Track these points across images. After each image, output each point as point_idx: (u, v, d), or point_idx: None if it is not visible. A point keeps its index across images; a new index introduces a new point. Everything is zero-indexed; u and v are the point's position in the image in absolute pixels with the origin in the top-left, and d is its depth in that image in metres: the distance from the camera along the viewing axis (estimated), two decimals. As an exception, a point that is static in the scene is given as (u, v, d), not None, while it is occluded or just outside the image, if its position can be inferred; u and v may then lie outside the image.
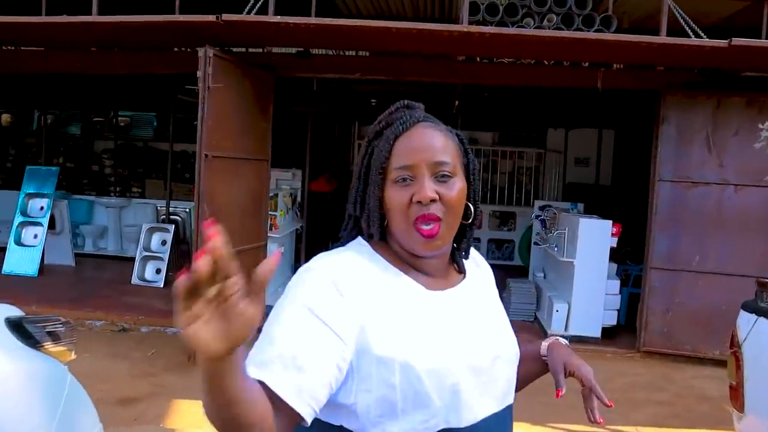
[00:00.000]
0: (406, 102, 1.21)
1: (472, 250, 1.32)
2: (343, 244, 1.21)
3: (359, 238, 1.20)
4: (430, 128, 1.15)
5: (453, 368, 1.08)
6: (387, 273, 1.14)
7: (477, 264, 1.33)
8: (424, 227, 1.09)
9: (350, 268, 1.09)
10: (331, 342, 1.01)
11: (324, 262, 1.10)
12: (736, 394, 2.58)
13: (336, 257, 1.12)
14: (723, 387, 5.30)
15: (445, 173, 1.11)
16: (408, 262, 1.16)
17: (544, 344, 1.37)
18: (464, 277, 1.25)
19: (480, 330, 1.17)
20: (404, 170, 1.11)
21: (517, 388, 1.28)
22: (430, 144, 1.13)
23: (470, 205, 1.18)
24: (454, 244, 1.24)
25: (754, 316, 2.53)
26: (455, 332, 1.13)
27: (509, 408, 1.22)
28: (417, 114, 1.17)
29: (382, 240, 1.18)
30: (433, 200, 1.09)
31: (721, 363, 5.76)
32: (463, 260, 1.27)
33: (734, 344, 2.62)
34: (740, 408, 2.56)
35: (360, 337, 1.04)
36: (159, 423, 4.13)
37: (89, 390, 4.61)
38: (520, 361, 1.28)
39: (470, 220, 1.20)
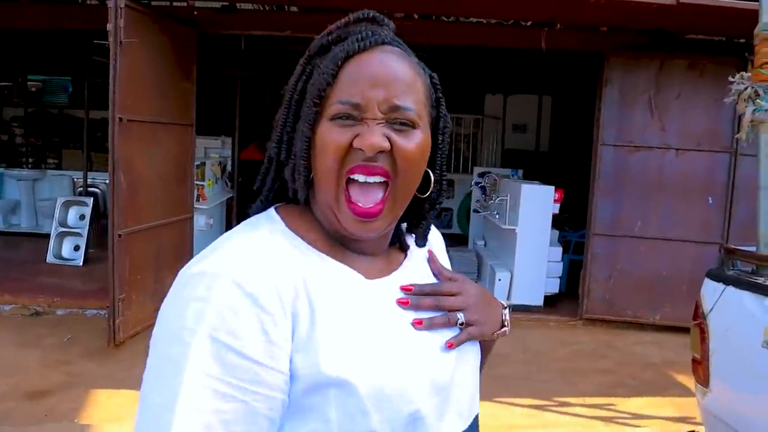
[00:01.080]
0: (371, 13, 0.86)
1: None
2: (262, 203, 0.89)
3: (269, 211, 0.87)
4: (397, 55, 0.82)
5: (411, 390, 0.80)
6: (311, 259, 0.82)
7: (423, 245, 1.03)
8: (360, 203, 0.79)
9: (266, 264, 0.76)
10: (268, 387, 0.72)
11: (225, 262, 0.75)
12: (701, 367, 2.41)
13: (241, 249, 0.78)
14: (665, 353, 5.32)
15: (405, 121, 0.80)
16: (339, 238, 0.86)
17: None
18: (406, 251, 0.96)
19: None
20: (349, 107, 0.78)
21: None
22: (393, 77, 0.79)
23: (430, 172, 0.87)
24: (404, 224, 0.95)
25: (721, 285, 2.35)
26: (408, 336, 0.84)
27: (476, 419, 0.94)
28: (383, 33, 0.84)
29: (305, 204, 0.87)
30: (382, 150, 0.78)
31: (661, 328, 5.82)
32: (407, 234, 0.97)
33: (698, 315, 2.44)
34: (705, 383, 2.40)
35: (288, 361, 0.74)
36: (73, 418, 3.70)
37: (-7, 384, 4.14)
38: None
39: (427, 193, 0.89)
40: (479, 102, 10.80)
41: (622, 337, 5.73)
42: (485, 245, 7.52)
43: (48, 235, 7.46)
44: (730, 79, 2.47)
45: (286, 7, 6.08)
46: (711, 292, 2.42)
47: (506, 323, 1.00)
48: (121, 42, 4.35)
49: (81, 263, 7.14)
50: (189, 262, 0.78)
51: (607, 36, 5.87)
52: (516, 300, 6.14)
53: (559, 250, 6.43)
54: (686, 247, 5.79)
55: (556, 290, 6.41)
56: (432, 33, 6.02)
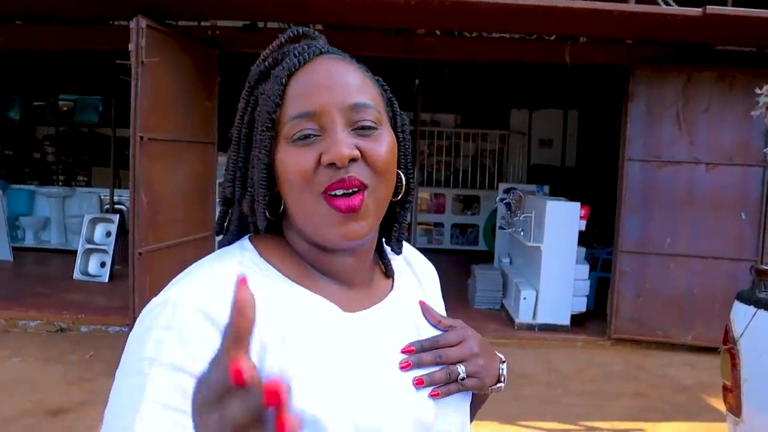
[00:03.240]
0: (300, 30, 0.82)
1: (407, 246, 0.96)
2: (228, 243, 0.83)
3: (242, 241, 0.82)
4: (340, 60, 0.79)
5: (389, 430, 0.75)
6: (283, 290, 0.76)
7: (409, 263, 0.96)
8: (342, 198, 0.73)
9: (232, 291, 0.69)
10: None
11: (189, 290, 0.71)
12: (732, 395, 2.28)
13: (207, 278, 0.73)
14: (697, 375, 5.13)
15: (368, 123, 0.75)
16: (315, 264, 0.80)
17: None
18: (393, 283, 0.89)
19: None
20: (305, 120, 0.74)
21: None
22: (343, 79, 0.76)
23: (401, 173, 0.83)
24: (381, 237, 0.88)
25: (752, 308, 2.23)
26: (389, 373, 0.79)
27: None
28: (318, 44, 0.80)
29: (275, 232, 0.82)
30: (353, 159, 0.73)
31: (693, 349, 5.64)
32: (391, 257, 0.90)
33: (728, 340, 2.32)
34: (736, 411, 2.27)
35: None
36: (90, 437, 3.70)
37: (15, 399, 4.18)
38: None
39: (401, 196, 0.84)
40: (505, 117, 10.72)
41: (652, 358, 5.56)
42: (510, 263, 7.39)
43: (76, 252, 7.55)
44: (758, 91, 2.37)
45: (311, 25, 6.10)
46: (742, 315, 2.31)
47: (503, 378, 0.92)
48: (142, 62, 4.39)
49: (107, 280, 7.20)
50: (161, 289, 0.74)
51: (632, 49, 5.76)
52: (542, 319, 6.00)
53: (586, 267, 6.27)
54: (718, 264, 5.60)
55: (584, 309, 6.24)
56: (455, 49, 5.98)
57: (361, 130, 0.75)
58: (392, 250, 0.90)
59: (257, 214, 0.78)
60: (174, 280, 0.76)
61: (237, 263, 0.77)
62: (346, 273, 0.81)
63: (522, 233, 6.53)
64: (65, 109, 10.39)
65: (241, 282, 0.46)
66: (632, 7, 4.48)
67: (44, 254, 8.70)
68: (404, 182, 0.83)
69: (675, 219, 5.68)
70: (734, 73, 5.51)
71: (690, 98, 5.59)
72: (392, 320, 0.84)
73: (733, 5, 4.67)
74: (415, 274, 0.95)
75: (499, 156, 10.77)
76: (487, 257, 8.66)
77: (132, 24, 4.36)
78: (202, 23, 5.70)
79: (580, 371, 5.16)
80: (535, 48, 5.93)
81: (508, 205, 7.63)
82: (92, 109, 10.39)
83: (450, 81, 8.32)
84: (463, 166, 10.68)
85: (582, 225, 6.05)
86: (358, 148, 0.74)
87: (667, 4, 4.66)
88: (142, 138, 4.46)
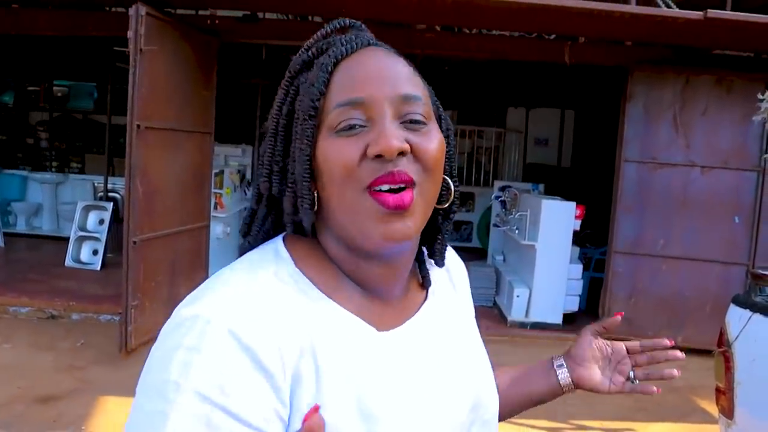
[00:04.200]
0: (347, 21, 0.78)
1: None
2: (252, 247, 0.78)
3: (278, 246, 0.76)
4: (389, 52, 0.75)
5: None
6: (320, 309, 0.71)
7: (447, 267, 0.91)
8: (389, 195, 0.68)
9: (270, 315, 0.66)
10: None
11: (221, 306, 0.65)
12: (725, 398, 2.30)
13: (242, 292, 0.67)
14: (687, 376, 5.12)
15: (418, 116, 0.70)
16: (350, 272, 0.75)
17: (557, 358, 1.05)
18: (426, 291, 0.84)
19: (454, 382, 0.79)
20: (352, 108, 0.69)
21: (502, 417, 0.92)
22: (393, 69, 0.72)
23: (448, 179, 0.78)
24: (422, 245, 0.82)
25: (747, 312, 2.24)
26: (422, 396, 0.74)
27: None
28: (366, 36, 0.76)
29: (312, 237, 0.76)
30: (402, 153, 0.68)
31: (683, 350, 5.60)
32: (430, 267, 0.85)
33: (723, 343, 2.33)
34: (729, 414, 2.29)
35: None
36: (80, 425, 3.68)
37: (5, 386, 4.15)
38: (512, 383, 1.02)
39: (448, 204, 0.79)
40: (502, 115, 10.72)
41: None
42: (504, 260, 7.41)
43: (68, 239, 7.51)
44: (759, 96, 2.38)
45: (310, 17, 6.09)
46: (737, 319, 2.32)
47: None
48: (141, 50, 4.35)
49: (99, 267, 7.17)
50: (184, 299, 0.69)
51: (631, 50, 5.77)
52: (534, 317, 6.02)
53: (580, 267, 6.29)
54: (711, 267, 5.63)
55: (576, 308, 6.27)
56: (454, 45, 5.97)
57: (411, 123, 0.70)
58: (435, 263, 0.85)
59: (302, 211, 0.73)
60: (205, 286, 0.70)
61: (273, 275, 0.71)
62: (382, 283, 0.76)
63: (516, 231, 6.55)
64: (60, 94, 10.31)
65: (314, 411, 0.48)
66: (633, 8, 4.48)
67: (36, 240, 8.64)
68: (452, 189, 0.79)
69: (669, 221, 5.70)
70: (732, 77, 5.53)
71: (687, 101, 5.61)
72: (428, 334, 0.79)
73: (732, 10, 4.68)
74: (451, 279, 0.92)
75: (495, 153, 10.77)
76: (480, 254, 8.67)
77: (131, 11, 4.32)
78: (201, 12, 5.66)
79: (571, 370, 5.18)
80: (535, 47, 5.93)
81: (503, 203, 7.64)
82: (87, 96, 10.31)
83: (448, 77, 8.31)
84: (459, 163, 10.67)
85: (577, 224, 6.07)
86: (407, 141, 0.69)
87: (668, 6, 4.67)
88: (138, 126, 4.44)
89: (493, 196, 8.16)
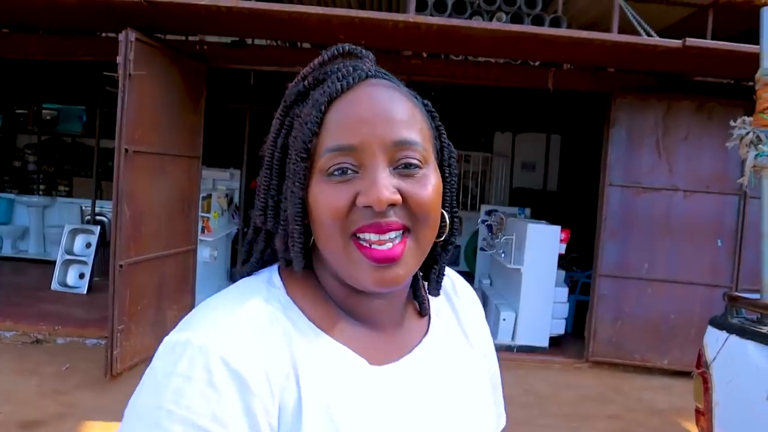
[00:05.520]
0: (347, 47, 0.74)
1: (448, 275, 0.89)
2: (250, 274, 0.78)
3: (272, 274, 0.76)
4: (386, 88, 0.72)
5: None
6: (308, 339, 0.70)
7: (448, 296, 0.88)
8: (376, 246, 0.67)
9: (258, 342, 0.66)
10: None
11: (214, 333, 0.65)
12: (704, 418, 2.33)
13: (233, 319, 0.67)
14: (672, 399, 5.18)
15: (412, 160, 0.69)
16: (343, 305, 0.74)
17: None
18: (428, 322, 0.82)
19: (446, 427, 0.76)
20: (342, 154, 0.68)
21: None
22: (388, 111, 0.69)
23: (445, 213, 0.76)
24: (419, 272, 0.81)
25: (724, 334, 2.28)
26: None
27: None
28: (364, 66, 0.73)
29: (307, 267, 0.75)
30: (393, 204, 0.67)
31: (669, 373, 5.70)
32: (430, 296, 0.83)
33: (701, 364, 2.37)
34: (708, 435, 2.31)
35: None
36: (63, 451, 3.65)
37: (-14, 412, 4.08)
38: None
39: (445, 237, 0.77)
40: (489, 140, 10.83)
41: (629, 381, 5.61)
42: (491, 284, 7.45)
43: (55, 262, 7.47)
44: (732, 123, 2.45)
45: (298, 43, 6.17)
46: (714, 340, 2.36)
47: None
48: (130, 74, 4.40)
49: (85, 291, 7.13)
50: (177, 324, 0.69)
51: (614, 77, 5.89)
52: (520, 341, 6.05)
53: (565, 290, 6.34)
54: (695, 290, 5.69)
55: (562, 331, 6.31)
56: (441, 71, 6.06)
57: (405, 168, 0.68)
58: (429, 292, 0.83)
59: (293, 253, 0.72)
60: (197, 312, 0.70)
61: (264, 302, 0.70)
62: (377, 315, 0.75)
63: (503, 255, 6.59)
64: (48, 118, 10.31)
65: None
66: (614, 37, 4.59)
67: (22, 264, 8.58)
68: (448, 222, 0.76)
69: (653, 244, 5.77)
70: (713, 103, 5.65)
71: (670, 126, 5.72)
72: (424, 373, 0.77)
73: (712, 38, 4.80)
74: (454, 308, 0.88)
75: (482, 178, 10.86)
76: (467, 278, 8.67)
77: (121, 36, 4.37)
78: (190, 38, 5.72)
79: (557, 393, 5.20)
80: (520, 73, 6.04)
81: (489, 227, 7.70)
82: (76, 119, 10.30)
83: (435, 103, 8.38)
84: (446, 187, 10.73)
85: (562, 248, 6.12)
86: (399, 190, 0.67)
87: (649, 35, 4.78)
88: (127, 150, 4.46)
89: (479, 220, 8.22)
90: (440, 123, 0.79)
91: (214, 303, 0.70)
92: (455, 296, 0.89)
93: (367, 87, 0.70)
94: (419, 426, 0.73)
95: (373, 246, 0.67)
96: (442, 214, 0.75)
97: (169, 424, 0.61)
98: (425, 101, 0.79)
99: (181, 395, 0.61)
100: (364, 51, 0.76)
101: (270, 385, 0.64)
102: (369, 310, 0.74)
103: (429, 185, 0.69)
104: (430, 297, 0.84)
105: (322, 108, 0.69)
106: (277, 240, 0.74)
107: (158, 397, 0.62)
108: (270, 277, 0.75)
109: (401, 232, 0.68)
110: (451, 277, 0.91)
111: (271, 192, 0.74)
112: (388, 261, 0.67)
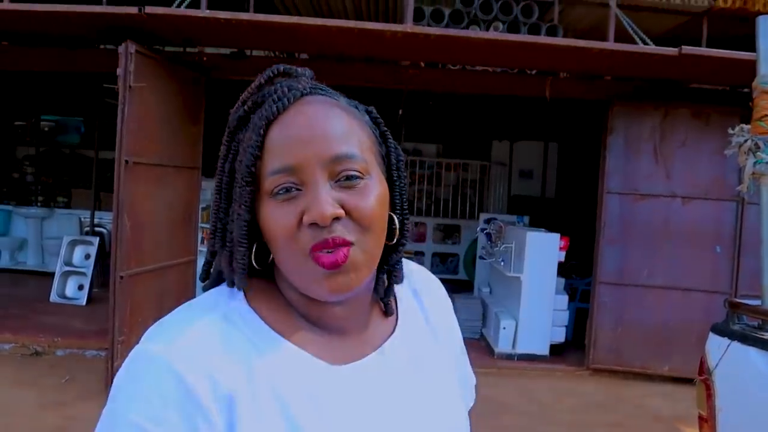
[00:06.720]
0: (281, 67, 0.77)
1: (415, 267, 0.92)
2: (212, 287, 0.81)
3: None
4: (321, 104, 0.74)
5: None
6: (266, 345, 0.72)
7: (417, 295, 0.90)
8: (326, 254, 0.69)
9: (209, 352, 0.69)
10: None
11: (170, 343, 0.69)
12: (707, 425, 2.33)
13: (187, 334, 0.70)
14: (674, 406, 5.18)
15: (352, 173, 0.71)
16: (304, 314, 0.76)
17: None
18: (395, 322, 0.84)
19: (413, 425, 0.77)
20: (284, 175, 0.70)
21: None
22: (323, 129, 0.71)
23: (394, 216, 0.78)
24: (379, 273, 0.82)
25: (726, 340, 2.29)
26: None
27: None
28: (299, 85, 0.74)
29: (268, 279, 0.78)
30: (336, 218, 0.69)
31: (670, 380, 5.70)
32: (393, 294, 0.85)
33: (704, 371, 2.38)
34: (711, 442, 2.32)
35: None
36: (64, 463, 3.63)
37: (-14, 425, 4.07)
38: None
39: (396, 240, 0.79)
40: (486, 148, 10.86)
41: (630, 388, 5.61)
42: (491, 292, 7.45)
43: (53, 274, 7.47)
44: (730, 131, 2.47)
45: (296, 54, 6.20)
46: (716, 347, 2.37)
47: None
48: (130, 86, 4.42)
49: (84, 303, 7.12)
50: (146, 332, 0.73)
51: (611, 84, 5.92)
52: (521, 349, 6.04)
53: (565, 298, 6.34)
54: (694, 296, 5.71)
55: (563, 339, 6.30)
56: (439, 80, 6.10)
57: (346, 180, 0.71)
58: (376, 292, 0.83)
59: (236, 273, 0.74)
60: (158, 325, 0.73)
61: (222, 317, 0.73)
62: (337, 322, 0.77)
63: (502, 263, 6.60)
64: (47, 129, 10.32)
65: None
66: (611, 45, 4.62)
67: (20, 276, 8.58)
68: (398, 226, 0.79)
69: (652, 251, 5.79)
70: (709, 110, 5.68)
71: (667, 133, 5.75)
72: (389, 371, 0.78)
73: (707, 46, 4.83)
74: (423, 307, 0.90)
75: (480, 186, 10.88)
76: (467, 286, 8.70)
77: (121, 49, 4.39)
78: (190, 49, 5.75)
79: (558, 401, 5.19)
80: (517, 82, 6.07)
81: (488, 235, 7.70)
82: (74, 130, 10.32)
83: (433, 111, 8.45)
84: (445, 196, 10.75)
85: (561, 256, 6.13)
86: (342, 203, 0.70)
87: (645, 42, 4.82)
88: (127, 162, 4.47)
89: (478, 228, 8.22)
90: (386, 128, 0.81)
91: (176, 315, 0.74)
92: (424, 293, 0.91)
93: (302, 106, 0.73)
94: (385, 423, 0.75)
95: (323, 254, 0.70)
96: (392, 218, 0.77)
97: (118, 424, 0.66)
98: (369, 108, 0.81)
99: (131, 399, 0.66)
100: (299, 69, 0.78)
101: (216, 395, 0.67)
102: (331, 318, 0.77)
103: (371, 195, 0.72)
104: (398, 296, 0.86)
105: (261, 132, 0.72)
106: (222, 260, 0.76)
107: (115, 399, 0.68)
108: (232, 289, 0.77)
109: (347, 245, 0.70)
110: (422, 275, 0.93)
111: (220, 215, 0.77)
112: (336, 266, 0.70)
